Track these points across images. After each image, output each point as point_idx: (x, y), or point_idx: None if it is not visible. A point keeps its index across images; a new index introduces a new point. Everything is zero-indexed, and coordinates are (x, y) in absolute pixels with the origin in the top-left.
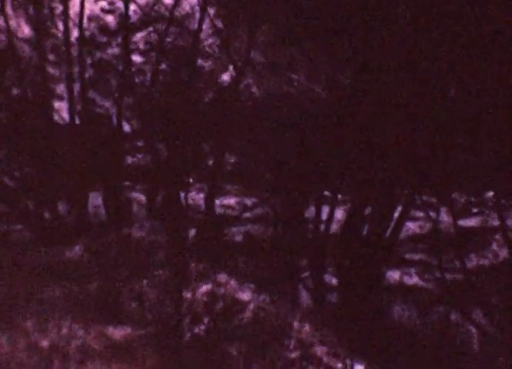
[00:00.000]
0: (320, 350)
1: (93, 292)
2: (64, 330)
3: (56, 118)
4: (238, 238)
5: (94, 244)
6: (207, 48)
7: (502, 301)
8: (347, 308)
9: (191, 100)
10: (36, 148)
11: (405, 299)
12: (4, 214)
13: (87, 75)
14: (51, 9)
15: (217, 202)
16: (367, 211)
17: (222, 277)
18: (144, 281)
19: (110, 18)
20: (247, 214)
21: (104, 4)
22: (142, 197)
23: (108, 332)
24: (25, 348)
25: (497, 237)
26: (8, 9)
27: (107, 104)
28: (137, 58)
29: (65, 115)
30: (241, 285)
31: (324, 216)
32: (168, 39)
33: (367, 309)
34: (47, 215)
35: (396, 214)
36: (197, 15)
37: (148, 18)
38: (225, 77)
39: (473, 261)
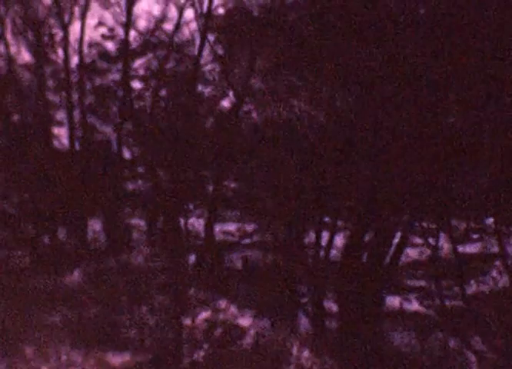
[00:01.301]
0: None
1: (92, 318)
2: (64, 357)
3: (56, 144)
4: (238, 264)
5: (94, 270)
6: (207, 75)
7: (501, 328)
8: (347, 334)
9: (191, 126)
10: (36, 174)
11: (405, 325)
12: (3, 239)
13: (87, 101)
14: (51, 36)
15: (217, 228)
16: (367, 237)
17: (222, 304)
18: (144, 307)
19: (110, 45)
20: (247, 240)
21: (104, 30)
22: (142, 224)
23: (107, 358)
24: None
25: (497, 263)
26: (9, 35)
27: (107, 130)
28: (137, 85)
29: (65, 141)
30: (241, 311)
31: (324, 242)
32: (168, 65)
33: (366, 335)
34: (46, 241)
35: (395, 241)
36: (198, 42)
37: (148, 44)
38: (225, 103)
39: (472, 288)
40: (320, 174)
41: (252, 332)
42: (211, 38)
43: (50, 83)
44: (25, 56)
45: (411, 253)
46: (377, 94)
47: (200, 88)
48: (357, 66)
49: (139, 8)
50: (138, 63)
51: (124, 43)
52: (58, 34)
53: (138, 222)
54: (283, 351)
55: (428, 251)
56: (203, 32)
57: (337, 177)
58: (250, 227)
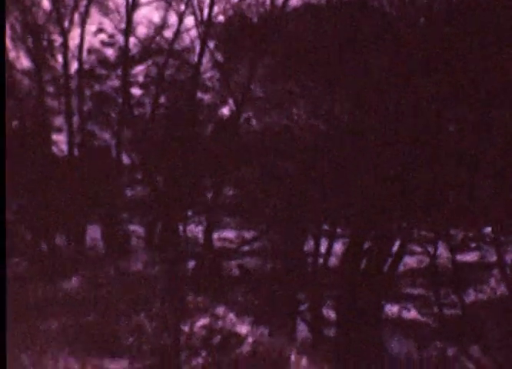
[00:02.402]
0: None
1: (90, 325)
2: (61, 364)
3: (55, 150)
4: (237, 271)
5: (92, 277)
6: (206, 82)
7: (499, 336)
8: (345, 342)
9: (190, 133)
10: (34, 180)
11: (403, 333)
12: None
13: (86, 108)
14: (51, 42)
15: (216, 235)
16: (366, 245)
17: (220, 310)
18: (142, 314)
19: (110, 51)
20: (246, 248)
21: (103, 37)
22: (140, 230)
23: (105, 365)
24: None
25: (495, 272)
26: (8, 41)
27: (106, 136)
28: (136, 91)
29: (64, 147)
30: (239, 318)
31: (323, 249)
32: (168, 72)
33: (365, 343)
34: (44, 247)
35: (394, 249)
36: (198, 49)
37: (148, 51)
38: (225, 110)
39: (470, 296)
40: (319, 181)
41: (250, 339)
42: (210, 45)
43: (49, 89)
44: (24, 62)
45: (410, 261)
46: (376, 102)
47: (199, 95)
48: (356, 74)
49: (139, 15)
50: (138, 70)
51: (124, 50)
52: (58, 41)
53: (137, 228)
54: (281, 359)
55: (427, 260)
56: (203, 39)
57: (337, 184)
58: (249, 235)
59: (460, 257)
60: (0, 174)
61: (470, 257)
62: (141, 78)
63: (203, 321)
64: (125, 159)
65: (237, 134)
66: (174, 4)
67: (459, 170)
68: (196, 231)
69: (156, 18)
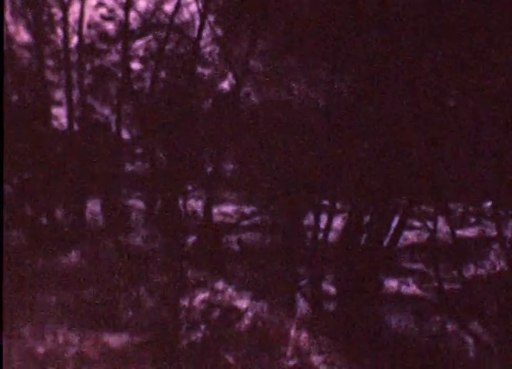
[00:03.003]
0: (317, 359)
1: (89, 299)
2: (60, 337)
3: (55, 124)
4: (236, 246)
5: (92, 251)
6: (206, 56)
7: (499, 311)
8: (345, 317)
9: (190, 107)
10: (34, 154)
11: (403, 308)
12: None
13: (86, 82)
14: (51, 16)
15: (216, 210)
16: (366, 220)
17: (220, 285)
18: (141, 288)
19: (110, 25)
20: (246, 222)
21: (103, 11)
22: (140, 204)
23: (104, 339)
24: (20, 355)
25: (495, 247)
26: (7, 15)
27: (106, 111)
28: (136, 66)
29: (64, 121)
30: (239, 293)
31: (323, 224)
32: (168, 47)
33: (364, 318)
34: (44, 221)
35: (394, 224)
36: (197, 23)
37: (148, 25)
38: (224, 85)
39: (470, 271)
40: (319, 156)
41: (250, 314)
42: (211, 19)
43: (49, 63)
44: (24, 36)
45: (409, 236)
46: (376, 76)
47: (199, 69)
48: (356, 49)
49: None
50: (138, 44)
51: (124, 24)
52: (58, 15)
53: (137, 203)
54: (281, 333)
55: (426, 235)
56: (203, 14)
57: (336, 159)
58: (248, 209)
59: (459, 232)
60: None
61: (470, 231)
62: (141, 53)
63: (202, 296)
64: (125, 134)
65: (236, 109)
66: None
67: (459, 144)
68: (196, 205)
69: None
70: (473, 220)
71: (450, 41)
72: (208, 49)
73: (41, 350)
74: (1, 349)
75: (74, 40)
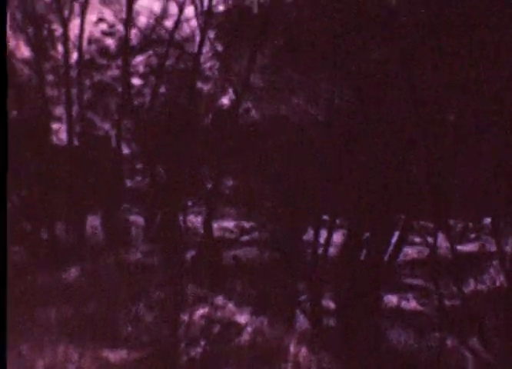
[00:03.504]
0: None
1: (89, 314)
2: (60, 353)
3: (54, 139)
4: (236, 261)
5: (91, 267)
6: (206, 71)
7: (499, 327)
8: (345, 332)
9: (190, 123)
10: (34, 170)
11: (403, 324)
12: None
13: (86, 97)
14: (51, 31)
15: (215, 225)
16: (365, 235)
17: (219, 300)
18: (141, 304)
19: (110, 41)
20: (246, 237)
21: (104, 26)
22: (140, 220)
23: (104, 355)
24: None
25: (495, 263)
26: (8, 30)
27: (106, 126)
28: (136, 81)
29: (64, 137)
30: (239, 308)
31: (322, 240)
32: (168, 62)
33: (364, 333)
34: (44, 236)
35: (394, 239)
36: (198, 38)
37: (149, 41)
38: (225, 100)
39: (470, 287)
40: (318, 171)
41: (249, 329)
42: (211, 34)
43: (49, 78)
44: (24, 51)
45: (409, 252)
46: (376, 91)
47: (199, 84)
48: (356, 63)
49: (139, 5)
50: (138, 59)
51: (124, 39)
52: (58, 30)
53: (136, 218)
54: (280, 349)
55: (426, 250)
56: (203, 29)
57: (336, 174)
58: (248, 225)
59: (459, 248)
60: (2, 165)
61: (470, 247)
62: (141, 68)
63: (202, 311)
64: (125, 149)
65: (236, 124)
66: None
67: (458, 159)
68: (196, 220)
69: (156, 8)
70: (473, 236)
71: (455, 56)
72: (208, 64)
73: (40, 365)
74: (4, 365)
75: (75, 55)
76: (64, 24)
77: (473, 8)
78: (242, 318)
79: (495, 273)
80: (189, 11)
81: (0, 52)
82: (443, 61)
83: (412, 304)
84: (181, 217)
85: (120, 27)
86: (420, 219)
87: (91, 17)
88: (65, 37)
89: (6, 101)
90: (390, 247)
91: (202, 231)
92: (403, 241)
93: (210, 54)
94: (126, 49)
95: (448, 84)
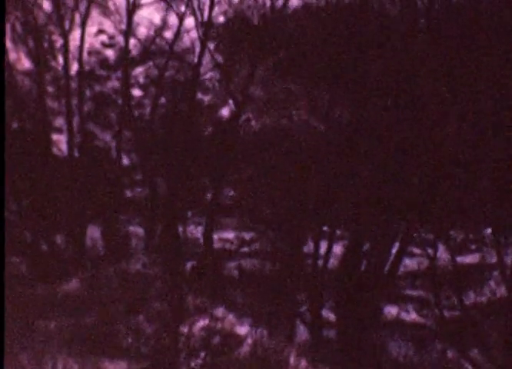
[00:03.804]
0: None
1: (89, 326)
2: (60, 364)
3: (55, 150)
4: (236, 272)
5: (91, 278)
6: (207, 83)
7: (499, 339)
8: (345, 344)
9: (190, 133)
10: (34, 181)
11: (403, 335)
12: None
13: (86, 108)
14: (51, 43)
15: (215, 236)
16: (366, 246)
17: (219, 312)
18: (141, 315)
19: (110, 52)
20: (246, 249)
21: (104, 38)
22: (140, 231)
23: (104, 366)
24: None
25: (495, 274)
26: (8, 42)
27: (106, 137)
28: (136, 92)
29: (64, 148)
30: (239, 319)
31: (323, 251)
32: (168, 73)
33: (364, 345)
34: (44, 248)
35: (394, 251)
36: (198, 50)
37: (148, 52)
38: (225, 111)
39: (470, 298)
40: (318, 182)
41: (250, 341)
42: (210, 46)
43: (49, 90)
44: (25, 63)
45: (410, 263)
46: (375, 102)
47: (199, 95)
48: (355, 75)
49: (139, 16)
50: (138, 71)
51: (124, 51)
52: (58, 41)
53: (137, 229)
54: (280, 360)
55: (426, 261)
56: (203, 41)
57: (336, 185)
58: (248, 236)
59: (460, 259)
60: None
61: (470, 258)
62: (141, 79)
63: (202, 322)
64: (125, 160)
65: (236, 135)
66: (174, 5)
67: (459, 171)
68: (196, 231)
69: (156, 19)
70: (473, 247)
71: (455, 68)
72: (208, 76)
73: None
74: None
75: (75, 67)
76: (65, 35)
77: (472, 20)
78: (242, 330)
79: (495, 284)
80: (189, 22)
81: None
82: (442, 73)
83: (412, 316)
84: (180, 228)
85: (120, 38)
86: (421, 230)
87: (91, 28)
88: (66, 48)
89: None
90: (391, 259)
91: (202, 242)
92: (403, 252)
93: (210, 66)
94: (126, 60)
95: (448, 95)
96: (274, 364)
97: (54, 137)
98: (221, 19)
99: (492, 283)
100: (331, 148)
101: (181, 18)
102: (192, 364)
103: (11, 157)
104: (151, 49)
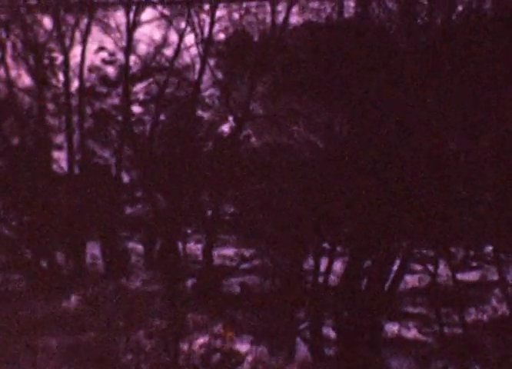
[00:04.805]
0: None
1: (89, 343)
2: None
3: (55, 167)
4: (236, 289)
5: (91, 295)
6: (207, 99)
7: (500, 356)
8: (345, 361)
9: (190, 150)
10: (34, 198)
11: (404, 352)
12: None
13: (86, 125)
14: (52, 60)
15: (216, 253)
16: (366, 263)
17: (220, 329)
18: (141, 332)
19: (110, 69)
20: (246, 265)
21: (104, 55)
22: (140, 248)
23: None
24: None
25: (496, 291)
26: (9, 60)
27: (106, 154)
28: (136, 109)
29: (64, 165)
30: (239, 337)
31: (323, 268)
32: (168, 90)
33: (365, 362)
34: (44, 265)
35: (394, 268)
36: (198, 66)
37: (149, 69)
38: (225, 127)
39: (471, 316)
40: (319, 198)
41: (250, 358)
42: (211, 63)
43: (50, 107)
44: (26, 80)
45: (410, 280)
46: (374, 119)
47: (199, 112)
48: (355, 91)
49: (140, 33)
50: (138, 87)
51: (125, 67)
52: (59, 59)
53: (136, 246)
54: None
55: (427, 278)
56: (203, 57)
57: (336, 202)
58: (248, 252)
59: (460, 276)
60: None
61: (471, 276)
62: (141, 96)
63: (202, 339)
64: (125, 177)
65: (236, 152)
66: (174, 22)
67: (460, 189)
68: (196, 248)
69: (157, 36)
70: (474, 264)
71: (455, 84)
72: (208, 92)
73: None
74: None
75: (75, 84)
76: (65, 52)
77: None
78: (242, 347)
79: (497, 301)
80: (189, 39)
81: None
82: (443, 89)
83: (413, 333)
84: (180, 245)
85: (120, 55)
86: (421, 247)
87: (92, 45)
88: (66, 65)
89: None
90: (391, 276)
91: (202, 259)
92: (404, 269)
93: (210, 82)
94: (126, 77)
95: (448, 111)
96: None
97: (55, 154)
98: (221, 36)
99: (493, 300)
100: (331, 165)
101: (181, 35)
102: None
103: (10, 174)
104: (151, 66)
